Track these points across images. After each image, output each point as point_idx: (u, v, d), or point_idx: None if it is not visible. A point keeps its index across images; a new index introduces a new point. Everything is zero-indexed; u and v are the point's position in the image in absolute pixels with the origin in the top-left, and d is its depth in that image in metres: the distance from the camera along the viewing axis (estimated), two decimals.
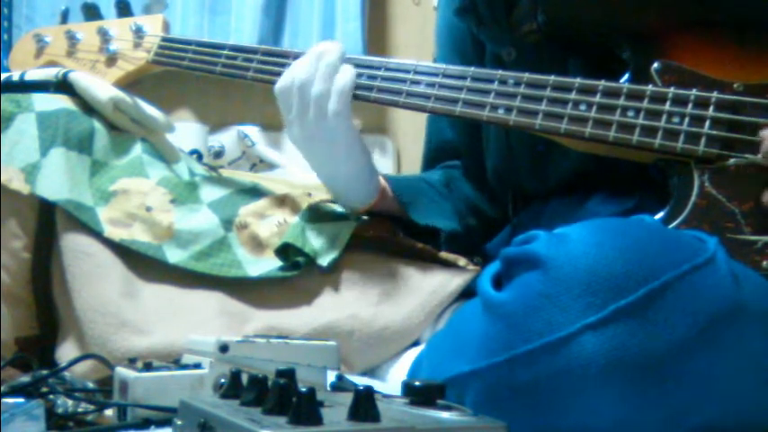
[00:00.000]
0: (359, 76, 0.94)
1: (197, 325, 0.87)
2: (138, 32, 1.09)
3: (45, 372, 0.76)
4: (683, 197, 0.80)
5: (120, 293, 0.89)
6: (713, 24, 0.86)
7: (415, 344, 0.93)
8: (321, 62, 0.93)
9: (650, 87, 0.83)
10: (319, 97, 0.91)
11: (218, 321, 0.89)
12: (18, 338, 0.92)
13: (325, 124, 0.92)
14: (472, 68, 0.91)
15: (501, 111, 0.87)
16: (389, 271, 0.96)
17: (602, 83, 0.84)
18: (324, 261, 0.94)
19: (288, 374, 0.50)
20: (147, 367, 0.70)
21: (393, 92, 0.93)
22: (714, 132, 0.80)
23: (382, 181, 1.01)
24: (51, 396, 0.70)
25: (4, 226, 0.92)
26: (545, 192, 0.99)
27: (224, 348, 0.69)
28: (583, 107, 0.84)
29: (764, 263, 0.75)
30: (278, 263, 0.96)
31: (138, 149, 1.02)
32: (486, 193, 1.10)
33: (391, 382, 0.89)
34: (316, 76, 0.92)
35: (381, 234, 0.99)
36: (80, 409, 0.70)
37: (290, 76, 0.93)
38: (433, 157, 1.17)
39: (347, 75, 0.93)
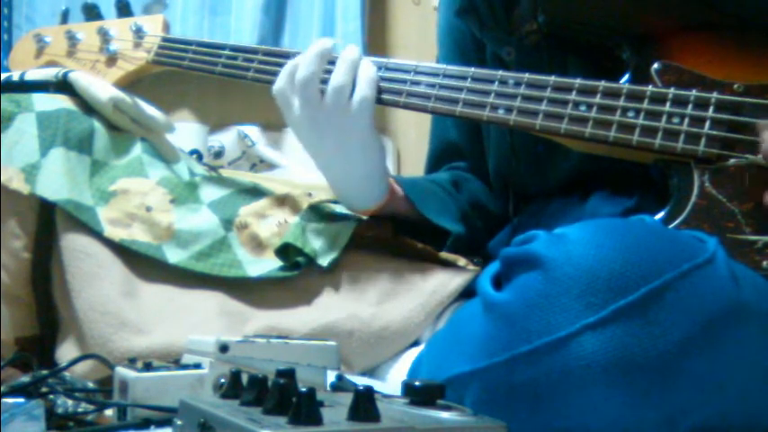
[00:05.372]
0: None
1: (197, 325, 0.87)
2: (139, 32, 1.10)
3: (45, 372, 0.75)
4: (683, 197, 0.80)
5: (120, 293, 0.89)
6: (713, 25, 0.86)
7: (415, 344, 0.93)
8: (342, 59, 0.92)
9: (650, 88, 0.83)
10: (339, 89, 0.90)
11: (218, 321, 0.89)
12: (18, 338, 0.92)
13: (343, 117, 0.91)
14: (472, 69, 0.91)
15: (501, 111, 0.87)
16: (389, 271, 0.96)
17: (603, 83, 0.84)
18: (324, 261, 0.94)
19: (288, 374, 0.49)
20: (147, 367, 0.69)
21: (393, 92, 0.93)
22: (714, 132, 0.80)
23: (392, 181, 1.00)
24: (51, 396, 0.70)
25: (4, 226, 0.92)
26: (545, 192, 0.99)
27: (224, 348, 0.68)
28: (583, 107, 0.84)
29: (764, 263, 0.75)
30: (278, 263, 0.96)
31: (138, 149, 1.02)
32: (494, 191, 1.10)
33: (391, 382, 0.89)
34: (336, 70, 0.91)
35: (381, 234, 0.99)
36: (80, 409, 0.70)
37: (289, 74, 0.93)
38: (437, 158, 1.17)
39: (371, 67, 0.93)
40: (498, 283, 0.63)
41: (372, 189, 0.97)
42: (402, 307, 0.93)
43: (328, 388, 0.61)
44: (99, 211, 0.94)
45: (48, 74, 1.04)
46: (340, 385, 0.60)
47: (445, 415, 0.46)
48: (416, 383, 0.50)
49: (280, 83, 0.94)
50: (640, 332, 0.55)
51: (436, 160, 1.17)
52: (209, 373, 0.68)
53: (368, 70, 0.92)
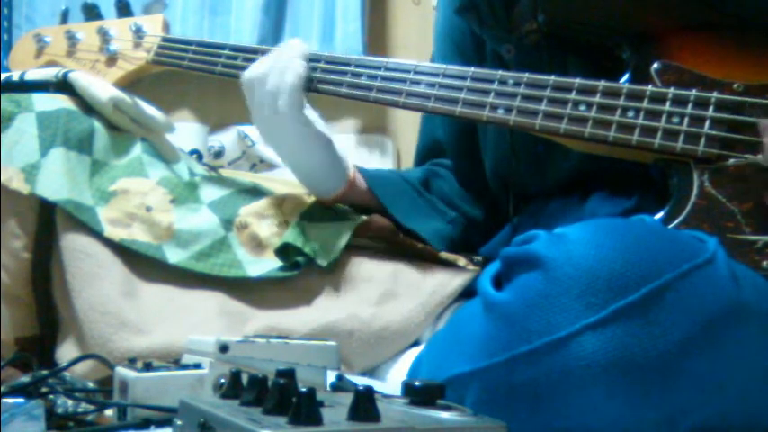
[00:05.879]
0: (359, 75, 0.94)
1: (197, 325, 0.87)
2: (138, 32, 1.10)
3: (45, 372, 0.76)
4: (683, 197, 0.80)
5: (120, 293, 0.89)
6: (713, 25, 0.86)
7: (415, 344, 0.93)
8: (278, 59, 0.94)
9: (650, 87, 0.83)
10: (272, 93, 0.94)
11: (218, 321, 0.89)
12: (18, 338, 0.92)
13: (277, 120, 0.94)
14: (472, 68, 0.91)
15: (501, 111, 0.87)
16: (389, 271, 0.96)
17: (602, 83, 0.84)
18: (324, 261, 0.94)
19: (288, 374, 0.49)
20: (147, 367, 0.69)
21: (393, 92, 0.93)
22: (714, 132, 0.80)
23: (352, 171, 1.02)
24: (51, 396, 0.70)
25: (4, 226, 0.92)
26: (545, 192, 0.99)
27: (224, 348, 0.68)
28: (582, 107, 0.84)
29: (764, 263, 0.75)
30: (278, 263, 0.96)
31: (138, 149, 1.02)
32: (472, 192, 1.10)
33: (391, 382, 0.89)
34: (270, 72, 0.94)
35: (381, 234, 0.99)
36: (80, 409, 0.70)
37: (251, 71, 0.96)
38: (423, 155, 1.19)
39: (295, 71, 0.94)
40: (498, 283, 0.63)
41: (323, 180, 1.00)
42: (402, 307, 0.93)
43: (328, 388, 0.61)
44: (99, 211, 0.94)
45: (48, 74, 1.04)
46: (340, 385, 0.60)
47: (445, 415, 0.46)
48: (416, 383, 0.50)
49: (246, 75, 0.97)
50: (640, 332, 0.55)
51: (422, 157, 1.19)
52: (209, 373, 0.68)
53: (289, 77, 0.94)
